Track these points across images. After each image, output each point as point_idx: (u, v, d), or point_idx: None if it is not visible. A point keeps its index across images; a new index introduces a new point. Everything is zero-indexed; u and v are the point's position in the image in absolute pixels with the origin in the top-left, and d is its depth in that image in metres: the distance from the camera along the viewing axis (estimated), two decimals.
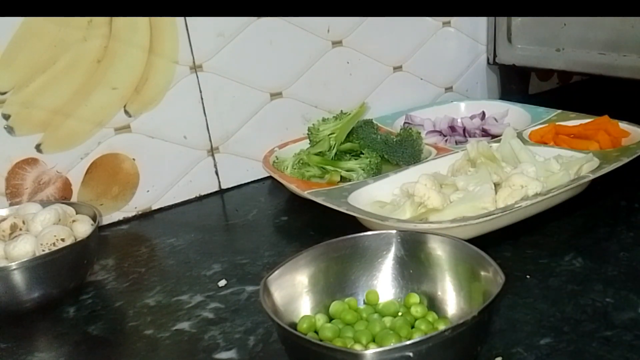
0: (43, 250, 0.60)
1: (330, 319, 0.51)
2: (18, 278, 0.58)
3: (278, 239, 0.73)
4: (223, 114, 0.86)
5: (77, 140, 0.77)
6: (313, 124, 0.84)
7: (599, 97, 1.11)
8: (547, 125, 0.84)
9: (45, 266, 0.59)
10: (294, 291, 0.51)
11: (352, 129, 0.83)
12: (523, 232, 0.66)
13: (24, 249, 0.61)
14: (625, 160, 0.68)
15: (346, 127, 0.82)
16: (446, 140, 0.91)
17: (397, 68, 1.02)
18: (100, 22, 0.75)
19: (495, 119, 0.95)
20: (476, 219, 0.60)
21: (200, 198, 0.87)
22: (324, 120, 0.85)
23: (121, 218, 0.82)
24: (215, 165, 0.88)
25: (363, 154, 0.82)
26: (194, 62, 0.83)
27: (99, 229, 0.68)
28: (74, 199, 0.78)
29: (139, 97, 0.80)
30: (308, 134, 0.84)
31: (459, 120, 0.97)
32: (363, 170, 0.77)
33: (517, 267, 0.60)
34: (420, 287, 0.52)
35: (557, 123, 0.84)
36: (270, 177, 0.89)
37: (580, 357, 0.47)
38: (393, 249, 0.53)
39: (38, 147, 0.75)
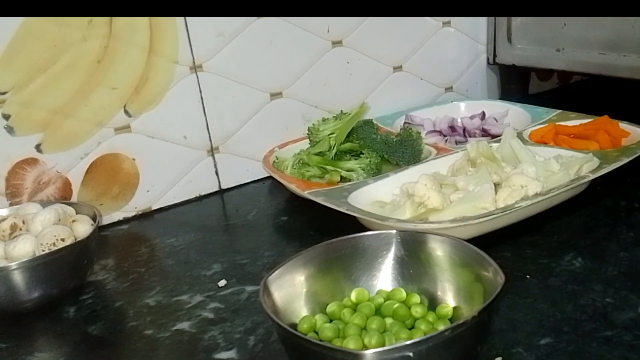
0: (43, 250, 0.60)
1: (331, 319, 0.51)
2: (18, 278, 0.58)
3: (278, 239, 0.73)
4: (223, 114, 0.86)
5: (77, 140, 0.77)
6: (313, 124, 0.84)
7: (599, 97, 1.11)
8: (547, 125, 0.84)
9: (45, 266, 0.59)
10: (294, 291, 0.51)
11: (352, 129, 0.83)
12: (523, 232, 0.66)
13: (24, 249, 0.61)
14: (625, 160, 0.68)
15: (346, 127, 0.82)
16: (446, 140, 0.91)
17: (397, 68, 1.02)
18: (100, 22, 0.75)
19: (495, 119, 0.95)
20: (476, 219, 0.60)
21: (200, 198, 0.87)
22: (324, 120, 0.85)
23: (121, 218, 0.82)
24: (215, 165, 0.88)
25: (363, 154, 0.82)
26: (194, 62, 0.83)
27: (99, 229, 0.68)
28: (74, 199, 0.78)
29: (139, 97, 0.80)
30: (308, 134, 0.84)
31: (459, 120, 0.97)
32: (363, 170, 0.77)
33: (517, 267, 0.60)
34: (420, 287, 0.52)
35: (557, 123, 0.84)
36: (270, 177, 0.89)
37: (580, 357, 0.47)
38: (393, 249, 0.53)
39: (38, 147, 0.75)
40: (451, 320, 0.49)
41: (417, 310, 0.49)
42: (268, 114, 0.90)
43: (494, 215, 0.60)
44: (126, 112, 0.79)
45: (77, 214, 0.68)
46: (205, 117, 0.85)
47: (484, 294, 0.47)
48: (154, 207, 0.84)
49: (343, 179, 0.78)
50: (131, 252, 0.73)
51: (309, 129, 0.84)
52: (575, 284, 0.56)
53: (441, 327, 0.47)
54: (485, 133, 0.92)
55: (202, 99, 0.84)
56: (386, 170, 0.77)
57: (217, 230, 0.77)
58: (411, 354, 0.39)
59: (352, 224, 0.66)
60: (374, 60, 0.98)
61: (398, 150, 0.79)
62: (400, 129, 0.83)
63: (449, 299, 0.51)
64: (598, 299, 0.53)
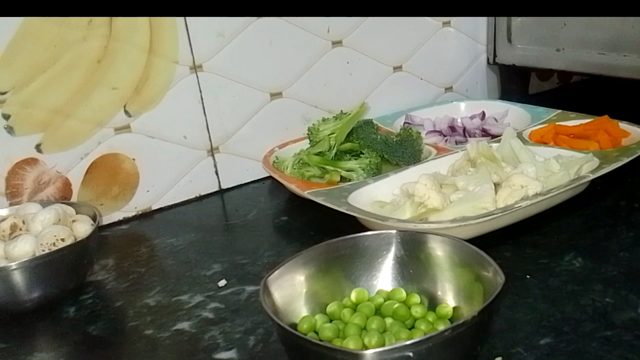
0: (43, 250, 0.60)
1: (331, 319, 0.51)
2: (18, 278, 0.58)
3: (278, 239, 0.73)
4: (223, 114, 0.86)
5: (77, 140, 0.77)
6: (313, 124, 0.84)
7: (599, 97, 1.11)
8: (547, 125, 0.84)
9: (45, 266, 0.59)
10: (294, 291, 0.51)
11: (352, 129, 0.83)
12: (523, 232, 0.66)
13: (24, 249, 0.61)
14: (625, 160, 0.68)
15: (346, 127, 0.82)
16: (446, 140, 0.91)
17: (397, 68, 1.02)
18: (100, 22, 0.75)
19: (495, 119, 0.95)
20: (476, 219, 0.60)
21: (200, 198, 0.87)
22: (324, 120, 0.85)
23: (121, 218, 0.82)
24: (215, 165, 0.88)
25: (363, 154, 0.82)
26: (194, 62, 0.83)
27: (99, 229, 0.68)
28: (74, 199, 0.78)
29: (139, 97, 0.80)
30: (308, 134, 0.84)
31: (459, 120, 0.97)
32: (363, 170, 0.77)
33: (517, 267, 0.60)
34: (420, 287, 0.52)
35: (557, 123, 0.84)
36: (270, 177, 0.89)
37: (580, 357, 0.47)
38: (393, 249, 0.53)
39: (38, 147, 0.75)
40: (451, 320, 0.49)
41: (417, 310, 0.49)
42: (268, 114, 0.90)
43: (494, 215, 0.60)
44: (126, 112, 0.79)
45: (77, 214, 0.68)
46: (205, 117, 0.85)
47: (484, 294, 0.47)
48: (154, 207, 0.84)
49: (343, 179, 0.78)
50: (131, 252, 0.73)
51: (309, 129, 0.84)
52: (575, 284, 0.56)
53: (441, 327, 0.47)
54: (485, 133, 0.92)
55: (202, 99, 0.84)
56: (386, 170, 0.77)
57: (217, 230, 0.77)
58: (411, 354, 0.39)
59: (352, 224, 0.66)
60: (374, 60, 0.98)
61: (398, 150, 0.79)
62: (400, 129, 0.83)
63: (449, 299, 0.51)
64: (598, 299, 0.53)
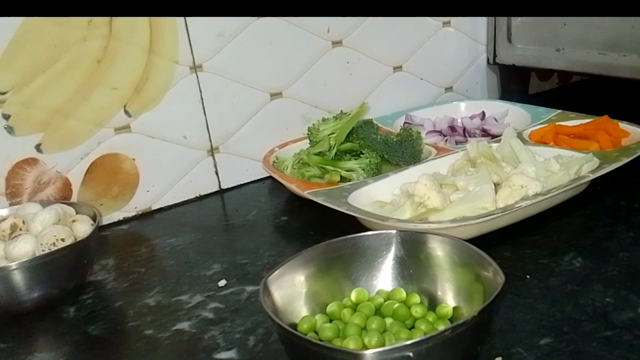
0: (43, 250, 0.60)
1: (331, 319, 0.51)
2: (18, 278, 0.58)
3: (278, 239, 0.73)
4: (223, 114, 0.86)
5: (77, 140, 0.77)
6: (313, 124, 0.84)
7: (599, 97, 1.11)
8: (547, 125, 0.84)
9: (45, 266, 0.59)
10: (294, 291, 0.51)
11: (352, 129, 0.83)
12: (523, 232, 0.66)
13: (24, 249, 0.61)
14: (625, 160, 0.68)
15: (346, 127, 0.82)
16: (446, 140, 0.91)
17: (397, 68, 1.02)
18: (100, 22, 0.75)
19: (495, 119, 0.95)
20: (476, 219, 0.60)
21: (200, 198, 0.87)
22: (324, 120, 0.85)
23: (121, 218, 0.82)
24: (215, 165, 0.88)
25: (363, 154, 0.82)
26: (194, 62, 0.83)
27: (99, 229, 0.68)
28: (74, 199, 0.78)
29: (139, 97, 0.80)
30: (308, 134, 0.84)
31: (459, 120, 0.97)
32: (363, 170, 0.77)
33: (517, 267, 0.60)
34: (420, 287, 0.52)
35: (557, 123, 0.84)
36: (270, 177, 0.89)
37: (580, 357, 0.47)
38: (393, 249, 0.53)
39: (38, 147, 0.75)
40: (451, 320, 0.49)
41: (417, 310, 0.49)
42: (268, 114, 0.90)
43: (494, 215, 0.60)
44: (126, 112, 0.79)
45: (77, 214, 0.68)
46: (205, 117, 0.85)
47: (484, 294, 0.47)
48: (154, 207, 0.84)
49: (343, 179, 0.78)
50: (131, 252, 0.73)
51: (309, 129, 0.84)
52: (575, 284, 0.56)
53: (441, 327, 0.48)
54: (485, 133, 0.92)
55: (202, 99, 0.84)
56: (386, 170, 0.77)
57: (217, 230, 0.77)
58: (411, 354, 0.39)
59: (352, 224, 0.66)
60: (374, 60, 0.98)
61: (398, 150, 0.79)
62: (400, 129, 0.83)
63: (449, 299, 0.51)
64: (598, 299, 0.53)
